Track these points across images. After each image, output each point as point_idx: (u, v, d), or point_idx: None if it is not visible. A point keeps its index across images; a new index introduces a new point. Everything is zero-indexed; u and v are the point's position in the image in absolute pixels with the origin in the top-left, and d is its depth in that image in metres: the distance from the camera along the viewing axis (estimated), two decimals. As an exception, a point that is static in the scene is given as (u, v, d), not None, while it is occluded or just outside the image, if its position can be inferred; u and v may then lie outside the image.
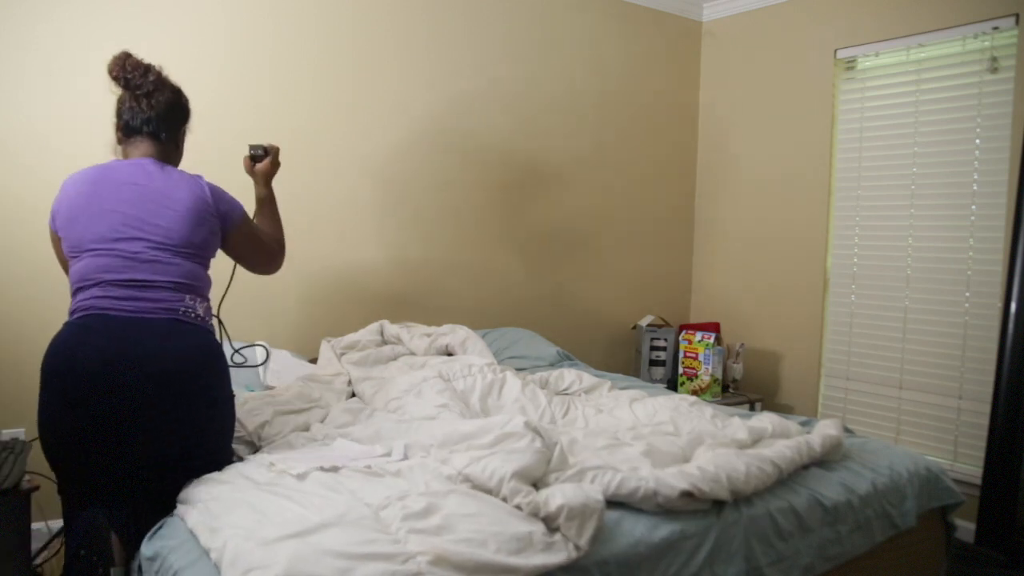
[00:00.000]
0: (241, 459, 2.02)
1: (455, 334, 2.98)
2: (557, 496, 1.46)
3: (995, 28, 3.10)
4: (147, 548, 1.61)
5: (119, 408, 1.72)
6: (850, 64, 3.64)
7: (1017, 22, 3.03)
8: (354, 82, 3.22)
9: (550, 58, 3.76)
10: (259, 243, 2.12)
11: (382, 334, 3.06)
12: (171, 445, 1.79)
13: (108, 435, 1.73)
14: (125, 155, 1.98)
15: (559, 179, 3.85)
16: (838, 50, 3.65)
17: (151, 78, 1.95)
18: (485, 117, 3.58)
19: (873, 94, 3.55)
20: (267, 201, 2.25)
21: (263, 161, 2.24)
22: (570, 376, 2.81)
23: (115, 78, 1.94)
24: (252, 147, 2.26)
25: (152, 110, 1.94)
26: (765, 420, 2.15)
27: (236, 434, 2.12)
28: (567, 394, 2.72)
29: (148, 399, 1.74)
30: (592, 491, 1.50)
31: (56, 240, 1.93)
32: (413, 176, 3.40)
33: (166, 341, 1.78)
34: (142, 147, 1.96)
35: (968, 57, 3.21)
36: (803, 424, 2.34)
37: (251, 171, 2.26)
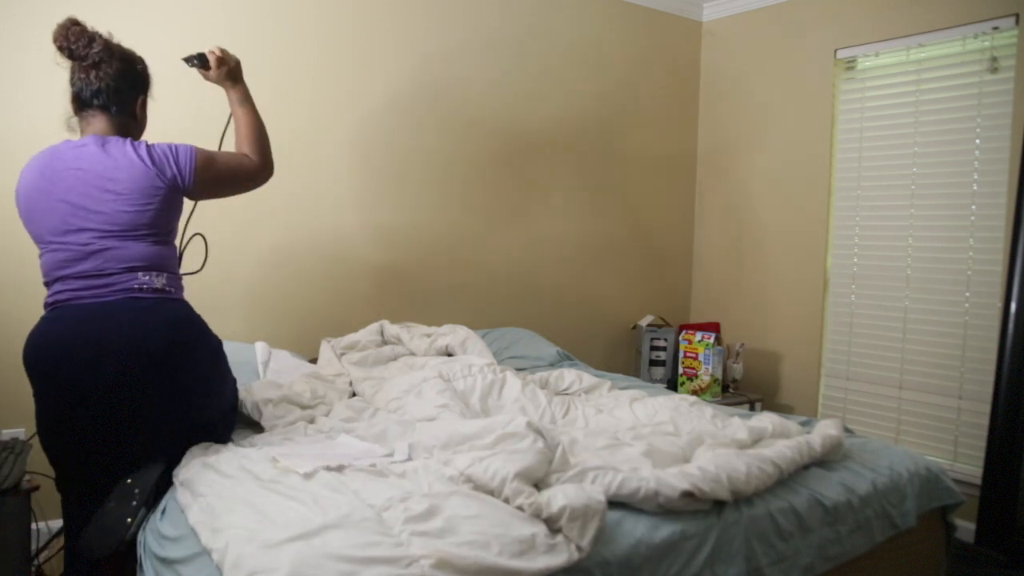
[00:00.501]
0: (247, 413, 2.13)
1: (455, 334, 2.98)
2: (559, 497, 1.46)
3: (995, 28, 3.10)
4: (150, 537, 1.63)
5: (95, 387, 1.74)
6: (850, 64, 3.64)
7: (1017, 22, 3.03)
8: (354, 80, 3.21)
9: (549, 58, 3.76)
10: (231, 175, 1.98)
11: (382, 334, 3.07)
12: (171, 418, 1.83)
13: (94, 416, 1.75)
14: (81, 130, 1.91)
15: (559, 179, 3.85)
16: (838, 50, 3.65)
17: (96, 48, 1.83)
18: (484, 117, 3.58)
19: (873, 94, 3.55)
20: (239, 103, 2.11)
21: (211, 66, 2.11)
22: (570, 376, 2.81)
23: (59, 48, 1.83)
24: (186, 60, 2.12)
25: (100, 82, 1.84)
26: (765, 420, 2.15)
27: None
28: (567, 394, 2.72)
29: (124, 378, 1.75)
30: (594, 492, 1.50)
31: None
32: (413, 177, 3.40)
33: (125, 319, 1.77)
34: (95, 122, 1.88)
35: (968, 57, 3.21)
36: (803, 424, 2.34)
37: (210, 79, 2.14)
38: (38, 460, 2.39)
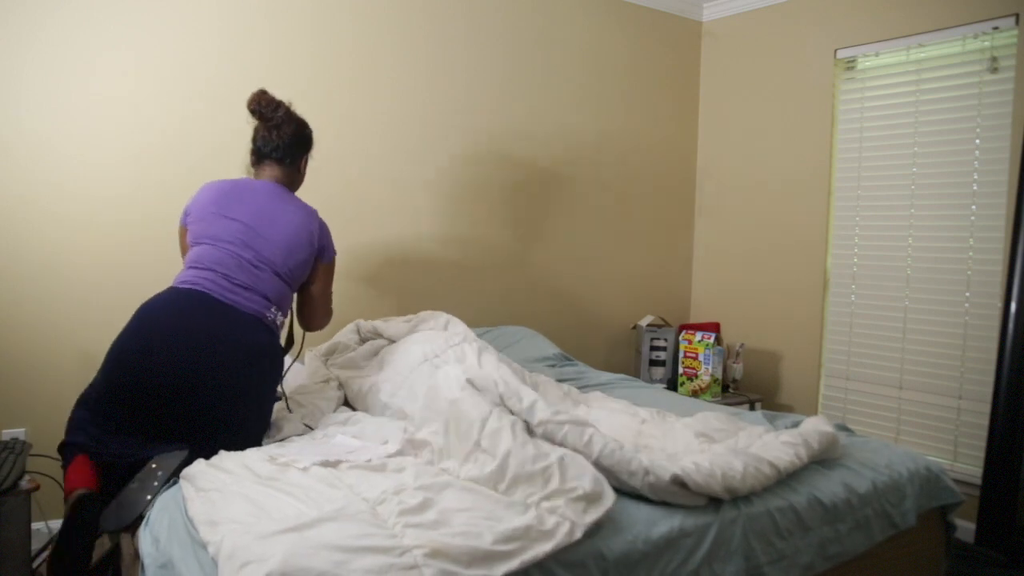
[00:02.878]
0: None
1: (436, 319, 2.87)
2: (573, 479, 1.51)
3: (995, 28, 3.10)
4: (144, 535, 1.64)
5: (184, 369, 1.93)
6: (850, 64, 3.64)
7: (1017, 22, 3.03)
8: (352, 91, 3.22)
9: (550, 58, 3.76)
10: (327, 290, 2.38)
11: (358, 332, 3.02)
12: (217, 416, 1.98)
13: (165, 386, 1.92)
14: (256, 176, 2.33)
15: (559, 179, 3.85)
16: (838, 50, 3.65)
17: (280, 112, 2.29)
18: (483, 118, 3.58)
19: (873, 94, 3.55)
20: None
21: None
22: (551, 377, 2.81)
23: (252, 111, 2.29)
24: None
25: (280, 139, 2.28)
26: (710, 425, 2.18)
27: None
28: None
29: (213, 372, 1.95)
30: (608, 488, 1.56)
31: (183, 232, 2.27)
32: (412, 176, 3.41)
33: (247, 331, 2.05)
34: (268, 170, 2.31)
35: (968, 57, 3.21)
36: (793, 425, 2.32)
37: None
38: (38, 460, 2.40)
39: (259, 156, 2.32)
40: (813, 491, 1.87)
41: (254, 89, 2.97)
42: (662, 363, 3.92)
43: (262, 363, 2.08)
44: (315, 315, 2.38)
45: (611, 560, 1.49)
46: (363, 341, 2.98)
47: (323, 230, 2.31)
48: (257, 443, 2.13)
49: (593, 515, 1.47)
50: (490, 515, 1.44)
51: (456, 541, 1.35)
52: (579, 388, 2.86)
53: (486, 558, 1.34)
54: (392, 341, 2.86)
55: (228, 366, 1.97)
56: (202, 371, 1.94)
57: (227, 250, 2.12)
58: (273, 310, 2.15)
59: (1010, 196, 2.98)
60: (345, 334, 3.00)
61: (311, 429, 2.26)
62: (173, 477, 1.82)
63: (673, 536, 1.59)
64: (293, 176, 2.37)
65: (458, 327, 2.81)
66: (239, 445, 1.98)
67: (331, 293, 2.43)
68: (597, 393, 2.73)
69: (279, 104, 2.31)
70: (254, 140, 2.33)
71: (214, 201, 2.20)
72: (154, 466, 1.84)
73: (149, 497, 1.76)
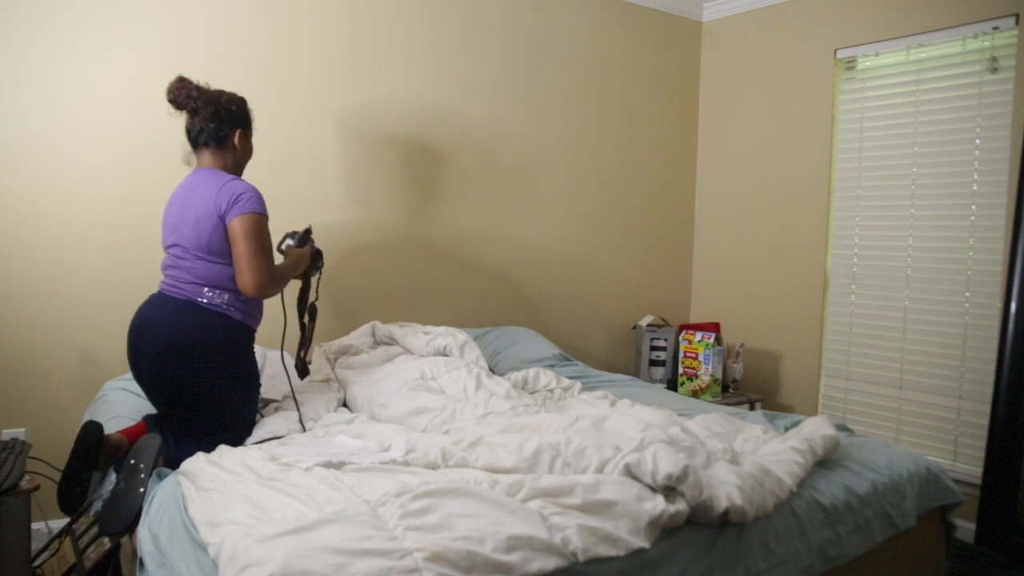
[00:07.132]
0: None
1: (455, 337, 2.93)
2: (598, 517, 1.52)
3: (995, 28, 3.10)
4: (143, 532, 1.63)
5: (140, 361, 2.20)
6: (850, 64, 3.64)
7: (1017, 22, 3.03)
8: (349, 84, 3.21)
9: (549, 58, 3.76)
10: (249, 250, 2.16)
11: (373, 335, 3.03)
12: (177, 402, 2.18)
13: (143, 379, 2.23)
14: (197, 163, 2.34)
15: (559, 179, 3.85)
16: (838, 50, 3.65)
17: (193, 96, 2.27)
18: (482, 117, 3.58)
19: (873, 94, 3.55)
20: (296, 258, 2.45)
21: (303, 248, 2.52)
22: (546, 377, 2.80)
23: (170, 101, 2.28)
24: (306, 234, 2.53)
25: (202, 123, 2.27)
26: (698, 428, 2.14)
27: None
28: (548, 391, 2.73)
29: (154, 359, 2.16)
30: (635, 537, 1.51)
31: None
32: (410, 176, 3.40)
33: (174, 315, 2.17)
34: (203, 157, 2.32)
35: (968, 57, 3.20)
36: (792, 425, 2.32)
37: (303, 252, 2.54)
38: (38, 460, 2.40)
39: (192, 144, 2.34)
40: (813, 493, 1.86)
41: (254, 89, 2.98)
42: (662, 363, 3.92)
43: (190, 338, 2.15)
44: (242, 279, 2.16)
45: (611, 571, 1.47)
46: (377, 344, 2.99)
47: (227, 193, 2.16)
48: (234, 413, 2.25)
49: (598, 551, 1.46)
50: (494, 521, 1.43)
51: (457, 545, 1.34)
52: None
53: (485, 565, 1.33)
54: (408, 351, 2.90)
55: (155, 347, 2.15)
56: (142, 358, 2.18)
57: (168, 252, 2.29)
58: (207, 290, 2.20)
59: (1010, 196, 2.98)
60: (359, 336, 3.01)
61: (304, 429, 2.26)
62: (156, 462, 1.90)
63: (673, 547, 1.58)
64: (227, 155, 2.33)
65: (473, 352, 2.86)
66: (211, 416, 2.17)
67: (261, 255, 2.18)
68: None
69: (191, 90, 2.28)
70: (185, 128, 2.34)
71: (167, 209, 2.32)
72: (132, 461, 1.91)
73: (141, 490, 1.82)
